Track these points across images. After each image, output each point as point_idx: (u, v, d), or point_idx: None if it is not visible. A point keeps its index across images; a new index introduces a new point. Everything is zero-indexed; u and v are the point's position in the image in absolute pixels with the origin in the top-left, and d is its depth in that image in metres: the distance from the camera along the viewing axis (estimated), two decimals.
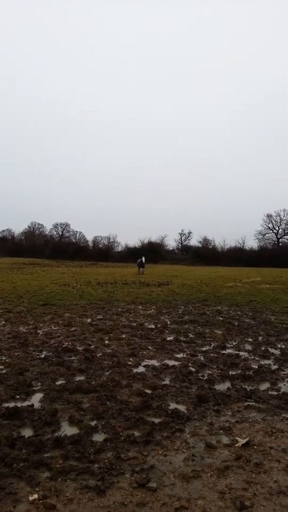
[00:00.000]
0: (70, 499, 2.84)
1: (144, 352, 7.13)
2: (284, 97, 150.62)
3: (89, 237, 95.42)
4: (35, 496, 2.85)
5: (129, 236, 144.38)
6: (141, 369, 6.14)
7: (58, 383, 5.38)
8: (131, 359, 6.63)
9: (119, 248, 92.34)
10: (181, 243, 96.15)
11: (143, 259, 35.78)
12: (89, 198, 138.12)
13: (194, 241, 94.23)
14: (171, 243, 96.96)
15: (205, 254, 74.99)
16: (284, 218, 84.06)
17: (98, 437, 3.82)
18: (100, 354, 6.92)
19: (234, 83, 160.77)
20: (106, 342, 7.93)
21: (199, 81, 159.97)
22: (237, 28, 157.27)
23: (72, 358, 6.64)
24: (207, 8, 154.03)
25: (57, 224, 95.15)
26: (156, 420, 4.19)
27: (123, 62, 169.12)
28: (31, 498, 2.83)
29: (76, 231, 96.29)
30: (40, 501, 2.80)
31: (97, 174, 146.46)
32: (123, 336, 8.53)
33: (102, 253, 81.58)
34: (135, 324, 9.92)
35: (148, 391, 5.08)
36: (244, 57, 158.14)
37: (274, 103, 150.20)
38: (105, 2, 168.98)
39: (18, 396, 4.88)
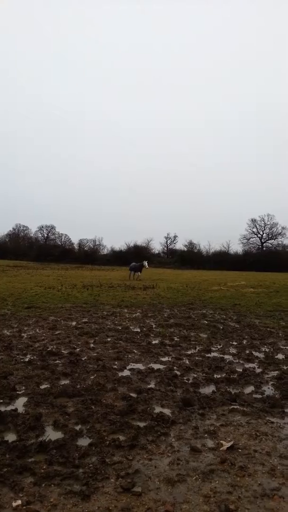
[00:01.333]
0: (54, 504, 2.82)
1: (129, 356, 7.12)
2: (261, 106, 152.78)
3: (75, 240, 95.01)
4: (19, 502, 2.81)
5: (115, 239, 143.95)
6: (126, 372, 6.12)
7: (43, 387, 5.33)
8: (116, 363, 6.61)
9: (105, 251, 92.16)
10: (167, 247, 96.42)
11: (146, 263, 33.99)
12: (75, 200, 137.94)
13: (179, 245, 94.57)
14: (157, 246, 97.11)
15: (191, 258, 75.25)
16: (268, 223, 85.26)
17: (83, 442, 3.79)
18: (85, 357, 6.87)
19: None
20: (91, 345, 7.89)
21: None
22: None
23: (57, 361, 6.58)
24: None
25: (42, 227, 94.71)
26: (141, 424, 4.18)
27: (111, 66, 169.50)
28: (14, 504, 2.79)
29: (61, 233, 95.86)
30: (24, 507, 2.77)
31: (83, 175, 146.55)
32: (109, 339, 8.49)
33: (88, 256, 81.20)
34: (120, 328, 9.89)
35: (133, 395, 5.07)
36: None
37: (256, 109, 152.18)
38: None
39: (1, 400, 4.81)
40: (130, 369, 6.27)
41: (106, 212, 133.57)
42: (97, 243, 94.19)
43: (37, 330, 9.33)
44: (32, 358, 6.76)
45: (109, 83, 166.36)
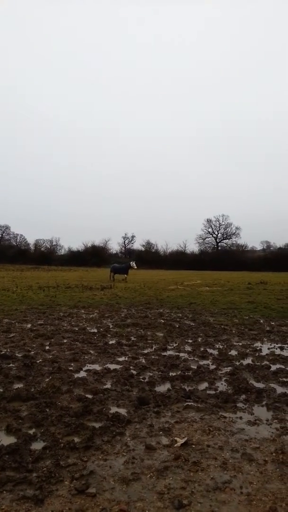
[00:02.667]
0: (6, 511, 2.75)
1: (85, 357, 7.07)
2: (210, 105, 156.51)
3: (31, 240, 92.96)
4: None
5: (72, 240, 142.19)
6: (82, 374, 6.07)
7: None
8: (72, 364, 6.54)
9: (62, 252, 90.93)
10: (125, 247, 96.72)
11: (134, 263, 31.75)
12: (32, 199, 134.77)
13: (137, 245, 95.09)
14: (115, 246, 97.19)
15: (148, 258, 75.82)
16: (223, 223, 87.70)
17: (37, 445, 3.73)
18: (40, 360, 6.75)
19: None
20: (47, 347, 7.76)
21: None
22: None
23: (11, 365, 6.41)
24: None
25: None
26: (97, 425, 4.17)
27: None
28: None
29: (16, 233, 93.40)
30: None
31: (38, 173, 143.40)
32: (65, 341, 8.39)
33: (45, 256, 79.86)
34: (77, 329, 9.79)
35: (89, 396, 5.05)
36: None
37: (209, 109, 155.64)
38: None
39: None
40: (86, 370, 6.23)
41: (63, 212, 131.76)
42: (54, 243, 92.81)
43: None
44: None
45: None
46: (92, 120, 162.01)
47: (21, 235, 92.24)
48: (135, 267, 32.26)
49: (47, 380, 5.65)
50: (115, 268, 31.51)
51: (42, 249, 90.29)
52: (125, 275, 30.85)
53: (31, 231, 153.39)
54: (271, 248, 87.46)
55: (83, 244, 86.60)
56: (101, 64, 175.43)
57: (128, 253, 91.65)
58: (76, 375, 5.95)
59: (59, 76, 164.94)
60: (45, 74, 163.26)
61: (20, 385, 5.45)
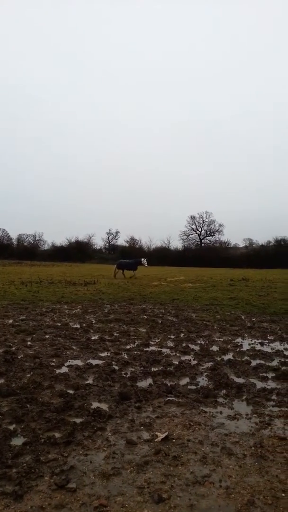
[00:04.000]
0: None
1: (68, 352, 7.04)
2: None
3: (13, 235, 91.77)
4: None
5: (56, 235, 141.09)
6: (64, 369, 6.05)
7: None
8: (54, 360, 6.51)
9: (46, 247, 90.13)
10: (109, 243, 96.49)
11: (145, 261, 29.99)
12: (16, 193, 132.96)
13: (121, 241, 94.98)
14: (99, 242, 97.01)
15: (132, 254, 75.74)
16: (206, 220, 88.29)
17: (17, 441, 3.70)
18: (22, 355, 6.70)
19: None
20: (29, 343, 7.70)
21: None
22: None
23: None
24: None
25: None
26: (78, 420, 4.17)
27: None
28: None
29: None
30: None
31: (20, 164, 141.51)
32: (47, 336, 8.34)
33: (28, 251, 79.05)
34: (59, 324, 9.74)
35: (71, 391, 5.03)
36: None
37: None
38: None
39: None
40: (68, 366, 6.21)
41: (47, 207, 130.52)
42: (37, 238, 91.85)
43: None
44: None
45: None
46: (83, 110, 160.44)
47: (3, 229, 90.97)
48: (146, 265, 30.73)
49: (28, 375, 5.62)
50: (122, 264, 29.92)
51: (25, 244, 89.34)
52: (134, 272, 29.41)
53: (13, 225, 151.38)
54: (254, 245, 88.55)
55: (67, 239, 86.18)
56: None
57: (112, 249, 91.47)
58: (57, 371, 5.92)
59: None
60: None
61: (1, 381, 5.41)
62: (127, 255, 71.67)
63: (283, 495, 2.94)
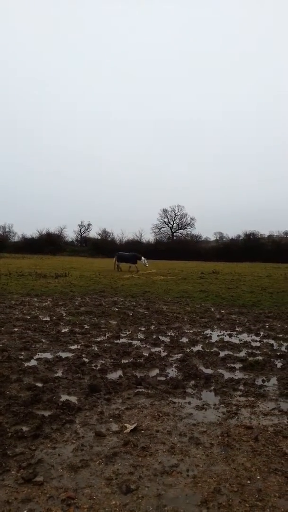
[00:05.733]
0: None
1: (37, 345, 6.95)
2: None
3: None
4: None
5: (26, 226, 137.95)
6: (33, 362, 5.97)
7: None
8: (22, 353, 6.41)
9: (16, 239, 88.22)
10: (81, 235, 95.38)
11: (146, 262, 28.86)
12: None
13: (93, 233, 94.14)
14: (71, 234, 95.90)
15: (104, 246, 75.36)
16: (178, 214, 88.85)
17: None
18: None
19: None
20: None
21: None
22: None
23: None
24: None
25: None
26: (46, 413, 4.13)
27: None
28: None
29: None
30: None
31: None
32: (16, 329, 8.20)
33: None
34: (29, 317, 9.60)
35: (39, 385, 4.97)
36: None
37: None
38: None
39: None
40: (37, 359, 6.13)
41: (17, 197, 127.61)
42: (7, 230, 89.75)
43: None
44: None
45: None
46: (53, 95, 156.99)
47: None
48: (147, 265, 29.46)
49: None
50: (122, 257, 29.00)
51: None
52: (135, 265, 28.53)
53: None
54: (224, 239, 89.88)
55: (38, 231, 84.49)
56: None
57: (84, 242, 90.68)
58: (26, 364, 5.84)
59: None
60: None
61: None
62: (100, 248, 71.24)
63: (249, 482, 3.02)
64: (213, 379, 5.39)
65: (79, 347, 6.96)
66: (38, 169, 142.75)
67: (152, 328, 8.81)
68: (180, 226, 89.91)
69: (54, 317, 9.64)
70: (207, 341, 7.69)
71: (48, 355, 6.37)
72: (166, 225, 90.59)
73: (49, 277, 21.32)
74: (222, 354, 6.74)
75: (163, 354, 6.66)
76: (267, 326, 9.32)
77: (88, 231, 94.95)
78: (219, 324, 9.52)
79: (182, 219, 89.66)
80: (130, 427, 3.86)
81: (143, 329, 8.68)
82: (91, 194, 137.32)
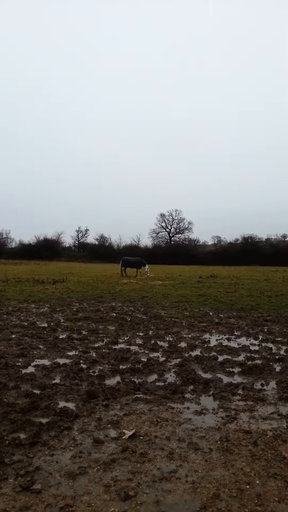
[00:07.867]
0: None
1: (34, 352, 6.92)
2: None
3: None
4: None
5: (24, 232, 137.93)
6: (30, 369, 5.94)
7: None
8: (20, 360, 6.38)
9: (13, 245, 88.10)
10: (78, 240, 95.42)
11: (147, 269, 28.58)
12: None
13: (91, 239, 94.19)
14: (68, 240, 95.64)
15: (102, 252, 75.38)
16: (176, 218, 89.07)
17: None
18: None
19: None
20: None
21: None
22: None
23: None
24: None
25: None
26: (44, 420, 4.10)
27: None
28: None
29: None
30: None
31: None
32: (13, 336, 8.17)
33: None
34: (26, 323, 9.56)
35: (37, 391, 4.94)
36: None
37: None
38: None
39: None
40: (34, 366, 6.10)
41: (14, 202, 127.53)
42: (4, 236, 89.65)
43: None
44: None
45: None
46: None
47: None
48: (148, 274, 28.76)
49: None
50: (128, 262, 28.87)
51: None
52: (139, 271, 28.49)
53: None
54: (222, 243, 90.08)
55: (35, 237, 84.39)
56: None
57: (82, 247, 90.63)
58: (23, 371, 5.81)
59: None
60: None
61: None
62: (97, 253, 71.19)
63: (248, 487, 3.00)
64: (212, 384, 5.37)
65: (77, 353, 6.93)
66: (36, 175, 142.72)
67: (150, 333, 8.79)
68: (178, 230, 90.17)
69: (51, 323, 9.61)
70: (205, 345, 7.68)
71: (45, 362, 6.34)
72: (164, 230, 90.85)
73: (47, 283, 21.28)
74: (220, 358, 6.72)
75: (162, 359, 6.64)
76: (265, 330, 9.31)
77: (86, 237, 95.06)
78: (218, 328, 9.51)
79: (180, 224, 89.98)
80: (128, 433, 3.84)
81: (141, 334, 8.66)
82: (88, 199, 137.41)
